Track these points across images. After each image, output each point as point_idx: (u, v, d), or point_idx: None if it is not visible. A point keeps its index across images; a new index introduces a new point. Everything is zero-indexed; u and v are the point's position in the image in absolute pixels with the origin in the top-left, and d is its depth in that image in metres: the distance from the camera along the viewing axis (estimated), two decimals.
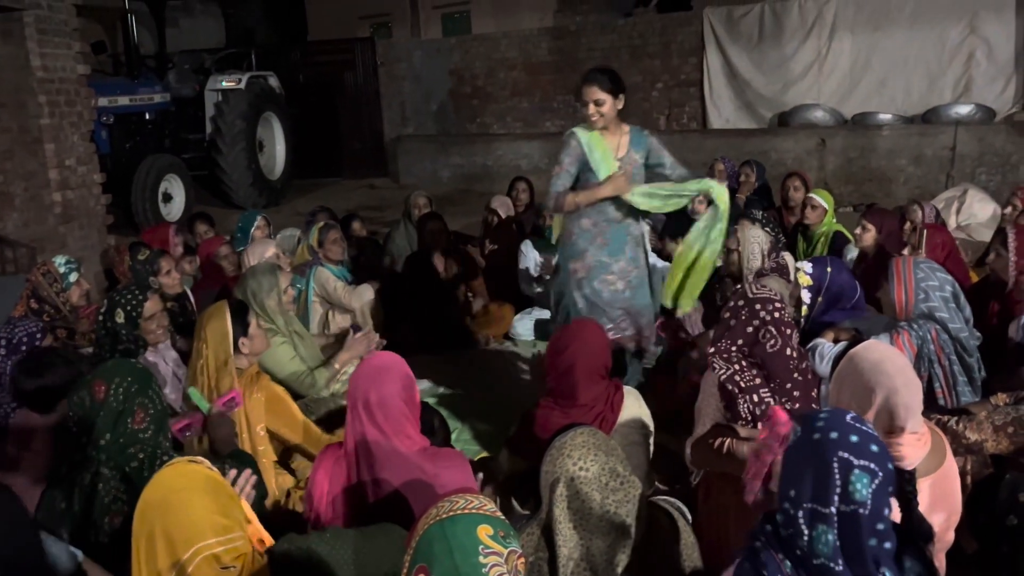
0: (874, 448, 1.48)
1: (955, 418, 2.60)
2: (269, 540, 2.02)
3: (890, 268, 3.20)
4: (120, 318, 3.32)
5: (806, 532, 1.46)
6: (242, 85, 10.61)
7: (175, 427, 2.76)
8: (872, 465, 1.45)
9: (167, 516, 1.70)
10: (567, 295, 3.91)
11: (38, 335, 3.12)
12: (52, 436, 2.70)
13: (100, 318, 3.38)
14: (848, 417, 1.53)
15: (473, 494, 1.53)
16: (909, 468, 1.98)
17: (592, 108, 3.65)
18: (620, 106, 3.72)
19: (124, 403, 2.30)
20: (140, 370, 2.42)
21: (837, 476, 1.44)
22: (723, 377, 2.59)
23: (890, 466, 1.49)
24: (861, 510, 1.43)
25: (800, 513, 1.47)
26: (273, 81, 11.55)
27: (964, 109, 9.58)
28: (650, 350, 4.15)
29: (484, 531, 1.43)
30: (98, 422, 2.29)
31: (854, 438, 1.47)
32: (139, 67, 9.87)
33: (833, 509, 1.44)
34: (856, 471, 1.44)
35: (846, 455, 1.45)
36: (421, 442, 2.36)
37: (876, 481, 1.44)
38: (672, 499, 2.48)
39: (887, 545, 1.45)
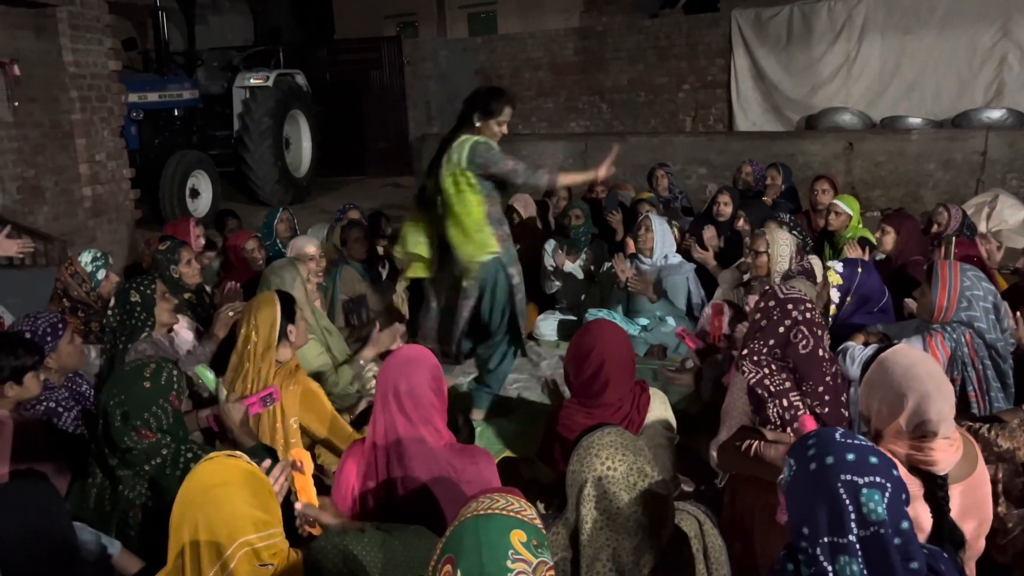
0: (874, 460, 1.43)
1: (986, 425, 2.55)
2: (312, 498, 2.14)
3: (934, 270, 3.11)
4: (135, 297, 3.50)
5: (829, 569, 1.40)
6: (270, 83, 10.68)
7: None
8: (878, 479, 1.41)
9: (209, 509, 1.71)
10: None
11: (60, 326, 3.15)
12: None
13: (111, 310, 3.54)
14: (838, 435, 1.48)
15: (516, 497, 1.49)
16: (941, 473, 1.95)
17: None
18: None
19: (124, 424, 2.31)
20: (138, 390, 2.35)
21: (847, 501, 1.39)
22: (752, 381, 2.56)
23: (895, 473, 1.44)
24: (882, 530, 1.38)
25: (819, 550, 1.41)
26: (300, 79, 11.60)
27: (995, 114, 9.45)
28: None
29: (517, 536, 1.40)
30: (112, 434, 2.32)
31: (851, 456, 1.43)
32: (168, 64, 9.96)
33: (852, 537, 1.39)
34: (865, 490, 1.40)
35: (849, 476, 1.41)
36: (448, 437, 2.36)
37: (888, 494, 1.40)
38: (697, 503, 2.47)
39: (914, 565, 1.39)
